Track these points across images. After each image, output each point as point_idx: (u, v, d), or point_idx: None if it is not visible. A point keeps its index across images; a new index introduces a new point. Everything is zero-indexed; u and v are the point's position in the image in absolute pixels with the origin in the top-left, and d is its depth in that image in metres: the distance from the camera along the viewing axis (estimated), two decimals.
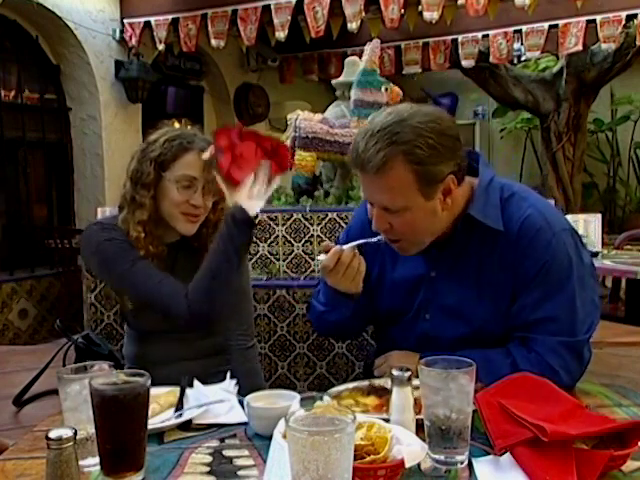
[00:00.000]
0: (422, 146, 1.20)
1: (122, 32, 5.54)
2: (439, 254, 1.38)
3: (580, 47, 5.32)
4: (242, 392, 1.28)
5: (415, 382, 1.05)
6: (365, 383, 1.27)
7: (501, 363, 1.29)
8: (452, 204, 1.29)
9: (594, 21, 5.17)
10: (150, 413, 1.05)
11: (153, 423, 1.11)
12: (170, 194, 1.51)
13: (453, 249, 1.36)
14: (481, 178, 1.35)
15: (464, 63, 5.94)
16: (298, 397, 1.16)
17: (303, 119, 2.27)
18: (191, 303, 1.46)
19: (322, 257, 1.35)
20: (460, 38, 5.86)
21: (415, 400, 1.05)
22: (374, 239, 1.35)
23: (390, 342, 1.49)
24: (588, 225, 3.66)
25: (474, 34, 5.79)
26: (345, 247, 1.34)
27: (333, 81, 2.54)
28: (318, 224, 2.15)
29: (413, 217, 1.27)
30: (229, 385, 1.35)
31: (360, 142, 1.24)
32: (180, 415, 1.18)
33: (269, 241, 2.18)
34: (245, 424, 1.16)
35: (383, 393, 1.20)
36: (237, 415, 1.20)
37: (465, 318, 1.35)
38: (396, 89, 2.39)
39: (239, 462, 1.01)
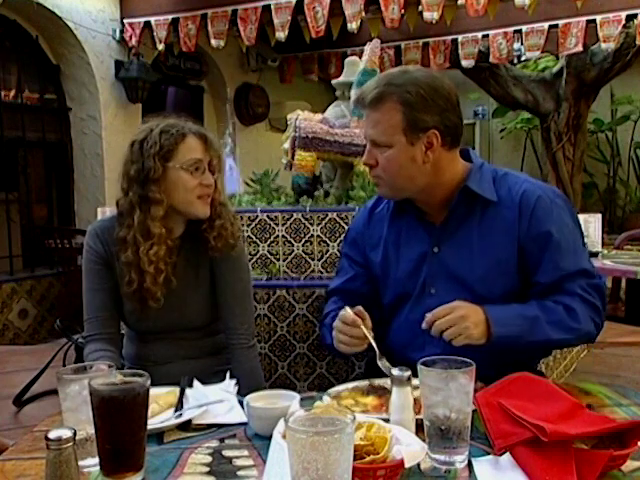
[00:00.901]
0: (412, 93, 1.37)
1: (122, 32, 5.53)
2: (441, 229, 1.47)
3: (580, 47, 5.31)
4: (242, 392, 1.28)
5: (415, 382, 1.05)
6: (365, 383, 1.27)
7: (555, 309, 1.36)
8: (436, 165, 1.42)
9: (594, 21, 5.17)
10: (150, 413, 1.05)
11: (153, 423, 1.11)
12: (183, 181, 1.53)
13: (454, 222, 1.46)
14: (474, 162, 1.50)
15: (464, 63, 5.94)
16: (298, 397, 1.16)
17: (303, 119, 2.27)
18: (86, 351, 1.58)
19: (347, 310, 1.37)
20: (460, 38, 5.85)
21: (415, 400, 1.05)
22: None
23: (397, 323, 1.54)
24: (588, 225, 3.65)
25: (474, 34, 5.78)
26: (364, 333, 1.34)
27: (333, 81, 2.54)
28: (318, 224, 2.15)
29: (394, 156, 1.40)
30: (229, 385, 1.35)
31: (366, 84, 1.45)
32: (180, 415, 1.18)
33: (269, 241, 2.18)
34: (245, 424, 1.16)
35: (383, 393, 1.20)
36: (237, 415, 1.20)
37: (469, 285, 1.43)
38: None
39: (239, 462, 1.01)
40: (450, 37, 5.94)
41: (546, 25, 5.42)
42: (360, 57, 2.43)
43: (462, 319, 1.29)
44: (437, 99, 1.38)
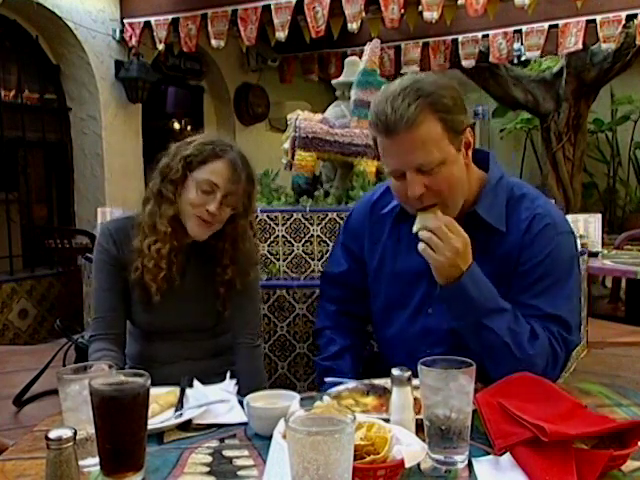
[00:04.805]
0: (445, 95, 1.26)
1: (122, 32, 5.53)
2: None
3: (580, 47, 5.31)
4: (244, 392, 1.28)
5: (415, 382, 1.05)
6: (365, 383, 1.27)
7: (524, 324, 1.28)
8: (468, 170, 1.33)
9: (594, 21, 5.17)
10: (150, 413, 1.05)
11: (153, 423, 1.11)
12: (189, 194, 1.52)
13: None
14: (491, 175, 1.38)
15: (464, 63, 5.94)
16: (298, 397, 1.16)
17: (303, 119, 2.27)
18: (90, 350, 1.56)
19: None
20: (460, 38, 5.86)
21: (415, 400, 1.05)
22: None
23: (391, 340, 1.49)
24: (588, 225, 3.65)
25: (474, 34, 5.78)
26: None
27: (333, 81, 2.54)
28: (318, 224, 2.15)
29: (450, 171, 1.27)
30: (229, 385, 1.35)
31: (385, 107, 1.24)
32: (180, 415, 1.18)
33: (269, 241, 2.18)
34: (245, 424, 1.16)
35: (383, 393, 1.20)
36: (237, 415, 1.20)
37: None
38: None
39: (239, 462, 1.01)
40: (450, 37, 5.94)
41: (546, 25, 5.42)
42: (360, 57, 2.44)
43: (453, 248, 1.23)
44: (458, 98, 1.30)
